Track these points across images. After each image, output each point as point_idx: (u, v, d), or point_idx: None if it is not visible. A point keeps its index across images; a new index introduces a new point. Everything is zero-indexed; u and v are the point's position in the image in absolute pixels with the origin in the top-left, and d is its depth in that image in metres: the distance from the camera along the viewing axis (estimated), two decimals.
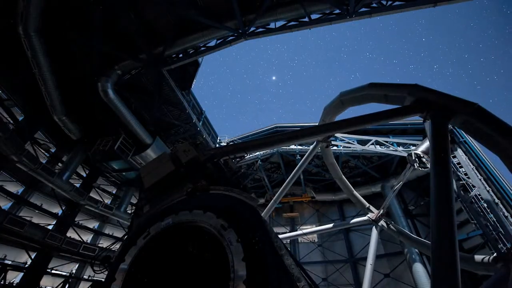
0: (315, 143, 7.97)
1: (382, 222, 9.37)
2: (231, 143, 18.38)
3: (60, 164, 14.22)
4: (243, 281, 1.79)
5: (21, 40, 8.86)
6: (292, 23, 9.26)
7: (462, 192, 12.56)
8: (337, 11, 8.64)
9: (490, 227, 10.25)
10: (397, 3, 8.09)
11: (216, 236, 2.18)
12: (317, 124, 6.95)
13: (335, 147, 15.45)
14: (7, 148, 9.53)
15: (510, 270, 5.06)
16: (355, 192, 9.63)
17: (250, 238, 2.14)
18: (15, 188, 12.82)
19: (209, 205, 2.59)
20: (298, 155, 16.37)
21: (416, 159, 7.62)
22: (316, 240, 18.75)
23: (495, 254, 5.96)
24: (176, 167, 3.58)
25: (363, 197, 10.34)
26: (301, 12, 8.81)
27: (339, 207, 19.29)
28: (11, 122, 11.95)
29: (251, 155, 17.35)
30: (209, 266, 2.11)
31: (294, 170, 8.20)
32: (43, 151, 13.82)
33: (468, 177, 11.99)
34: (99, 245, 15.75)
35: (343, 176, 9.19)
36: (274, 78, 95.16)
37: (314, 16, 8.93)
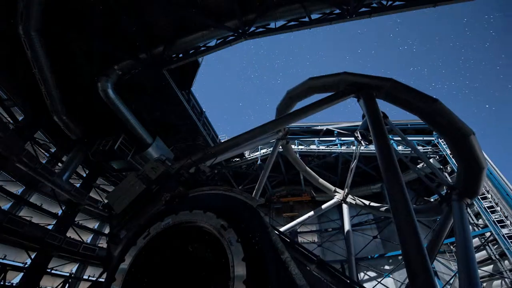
0: (275, 141, 8.76)
1: (349, 199, 10.45)
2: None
3: (60, 164, 14.22)
4: (243, 281, 1.79)
5: (21, 40, 8.85)
6: (292, 23, 9.26)
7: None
8: (337, 11, 8.64)
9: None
10: (397, 3, 8.09)
11: (216, 236, 2.18)
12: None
13: (334, 147, 15.47)
14: (7, 148, 9.53)
15: (452, 207, 5.65)
16: (320, 180, 11.07)
17: (250, 238, 2.14)
18: (15, 188, 12.81)
19: (209, 205, 2.59)
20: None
21: (361, 137, 8.52)
22: (316, 240, 18.74)
23: (439, 198, 6.67)
24: (147, 185, 3.60)
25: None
26: (301, 12, 8.81)
27: (339, 207, 19.25)
28: (11, 122, 11.94)
29: (251, 155, 17.36)
30: (209, 266, 2.11)
31: (263, 170, 8.63)
32: (43, 151, 13.82)
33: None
34: (99, 245, 15.74)
35: (308, 168, 10.63)
36: (278, 80, 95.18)
37: (314, 16, 8.94)
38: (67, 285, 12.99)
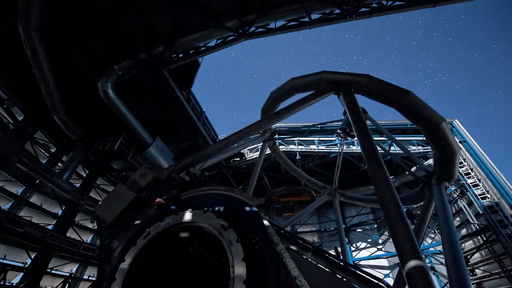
0: (262, 143, 9.00)
1: (338, 194, 10.93)
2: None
3: (60, 164, 14.21)
4: (243, 281, 1.79)
5: (21, 40, 8.85)
6: (292, 23, 9.25)
7: (461, 193, 12.56)
8: (337, 11, 8.63)
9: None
10: (397, 3, 8.09)
11: (216, 236, 2.18)
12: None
13: (335, 147, 15.49)
14: (7, 148, 9.53)
15: (433, 191, 6.04)
16: (308, 177, 11.42)
17: (250, 238, 2.14)
18: (15, 188, 12.81)
19: (209, 205, 2.59)
20: (298, 155, 16.41)
21: (343, 133, 8.87)
22: (316, 240, 18.75)
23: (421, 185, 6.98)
24: (137, 193, 3.58)
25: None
26: (301, 12, 8.81)
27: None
28: (11, 122, 11.94)
29: (251, 155, 17.36)
30: (209, 266, 2.11)
31: (254, 170, 8.62)
32: (43, 151, 13.81)
33: (468, 177, 12.00)
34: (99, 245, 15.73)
35: (296, 167, 11.05)
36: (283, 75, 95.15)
37: (314, 16, 8.93)
38: (67, 285, 12.99)
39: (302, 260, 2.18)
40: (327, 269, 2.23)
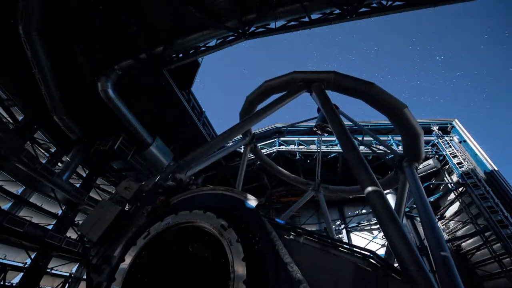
0: (243, 147, 9.23)
1: (322, 188, 11.34)
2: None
3: (60, 164, 14.21)
4: (243, 281, 1.79)
5: (21, 40, 8.85)
6: (292, 23, 9.25)
7: (460, 192, 12.56)
8: (337, 11, 8.63)
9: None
10: (397, 3, 8.09)
11: (216, 236, 2.18)
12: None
13: (336, 148, 15.50)
14: (7, 148, 9.53)
15: (405, 173, 6.52)
16: (292, 176, 11.79)
17: (250, 238, 2.14)
18: (15, 188, 12.81)
19: (209, 205, 2.59)
20: (298, 155, 16.42)
21: (319, 129, 9.24)
22: None
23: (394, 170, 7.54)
24: (122, 206, 3.52)
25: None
26: (301, 12, 8.81)
27: (339, 207, 19.29)
28: (11, 122, 11.94)
29: (251, 155, 17.33)
30: (209, 266, 2.11)
31: (239, 174, 8.63)
32: (43, 151, 13.82)
33: (468, 177, 12.00)
34: None
35: (280, 168, 11.51)
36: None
37: (314, 16, 8.93)
38: (67, 285, 12.99)
39: (295, 244, 2.26)
40: (321, 250, 2.32)
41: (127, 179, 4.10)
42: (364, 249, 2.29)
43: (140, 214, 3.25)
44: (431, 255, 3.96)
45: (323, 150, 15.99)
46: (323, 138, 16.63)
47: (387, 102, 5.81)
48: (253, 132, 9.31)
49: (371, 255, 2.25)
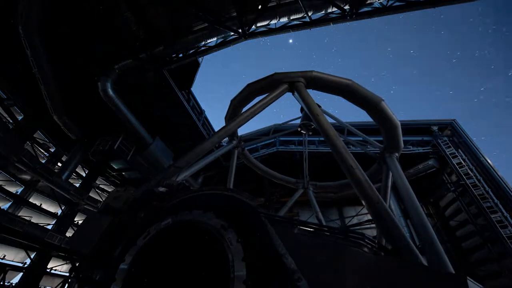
0: (231, 151, 9.20)
1: (311, 186, 11.74)
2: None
3: (59, 164, 14.21)
4: (243, 281, 1.79)
5: (21, 39, 8.84)
6: (293, 23, 9.26)
7: (461, 193, 12.57)
8: (338, 11, 8.64)
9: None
10: (397, 3, 8.09)
11: (216, 236, 2.18)
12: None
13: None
14: (7, 148, 9.52)
15: (387, 163, 6.89)
16: (280, 176, 12.11)
17: (250, 238, 2.14)
18: (14, 188, 12.81)
19: (209, 205, 2.59)
20: (298, 155, 16.42)
21: (304, 128, 9.28)
22: None
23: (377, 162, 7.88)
24: (113, 216, 3.40)
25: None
26: (301, 12, 8.81)
27: (338, 207, 19.30)
28: (11, 122, 11.93)
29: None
30: (209, 266, 2.11)
31: (229, 176, 8.74)
32: (42, 150, 13.81)
33: (468, 177, 12.01)
34: None
35: (267, 169, 11.71)
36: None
37: (314, 16, 8.93)
38: (66, 285, 12.98)
39: (292, 235, 2.33)
40: (314, 237, 2.41)
41: (116, 188, 4.03)
42: (355, 232, 2.42)
43: (132, 222, 3.17)
44: (415, 232, 4.48)
45: (323, 150, 16.02)
46: (323, 139, 16.68)
47: (364, 96, 6.08)
48: (239, 135, 9.35)
49: (362, 237, 2.38)
